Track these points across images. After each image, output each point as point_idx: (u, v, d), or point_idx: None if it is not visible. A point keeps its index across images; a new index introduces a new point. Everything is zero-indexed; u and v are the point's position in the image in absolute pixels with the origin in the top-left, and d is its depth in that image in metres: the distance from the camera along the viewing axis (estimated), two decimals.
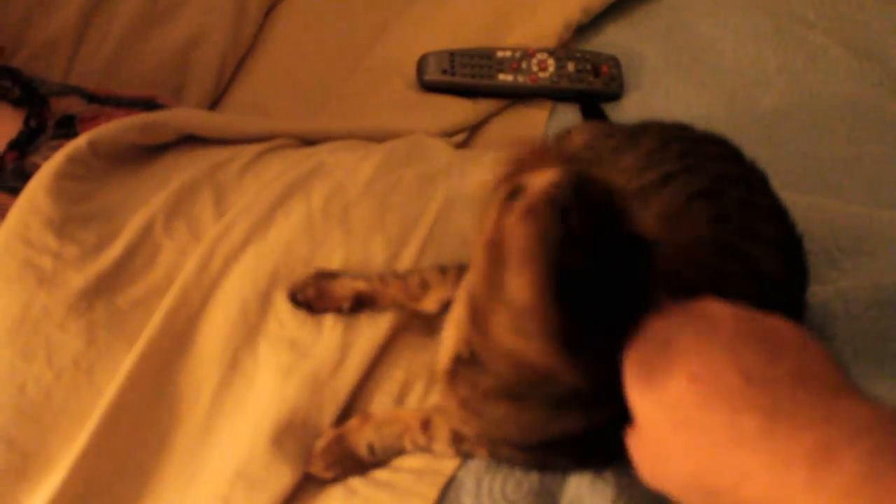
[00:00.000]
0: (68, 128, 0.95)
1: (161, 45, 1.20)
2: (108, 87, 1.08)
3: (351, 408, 0.78)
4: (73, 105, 0.98)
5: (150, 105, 1.01)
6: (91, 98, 1.00)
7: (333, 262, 0.82)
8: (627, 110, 1.20)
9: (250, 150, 0.95)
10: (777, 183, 1.01)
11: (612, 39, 1.31)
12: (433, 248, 0.84)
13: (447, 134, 1.13)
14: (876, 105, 1.20)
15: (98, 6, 1.18)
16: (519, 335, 0.56)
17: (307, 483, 0.76)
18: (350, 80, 1.26)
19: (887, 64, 1.26)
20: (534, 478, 0.69)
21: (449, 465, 0.74)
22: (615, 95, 1.21)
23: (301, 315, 0.80)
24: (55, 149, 0.89)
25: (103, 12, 1.18)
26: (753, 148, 1.11)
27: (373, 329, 0.79)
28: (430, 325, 0.79)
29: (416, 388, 0.79)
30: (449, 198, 0.88)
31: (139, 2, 1.21)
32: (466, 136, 1.16)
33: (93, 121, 0.95)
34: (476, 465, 0.72)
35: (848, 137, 1.15)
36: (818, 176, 1.09)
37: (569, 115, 1.19)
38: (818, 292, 0.84)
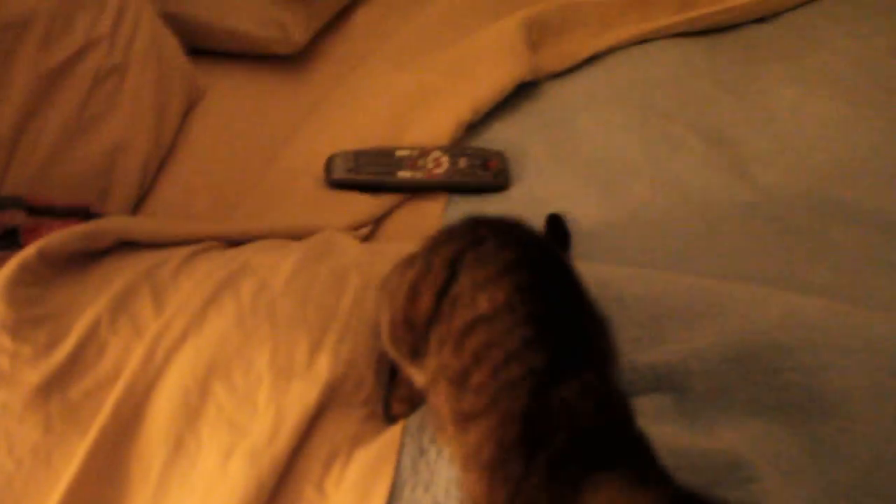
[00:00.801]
0: (13, 239, 1.04)
1: (88, 152, 1.28)
2: (41, 192, 1.16)
3: (288, 475, 0.86)
4: (16, 217, 1.07)
5: (85, 214, 1.11)
6: (31, 210, 1.09)
7: (262, 352, 0.92)
8: (515, 200, 1.32)
9: (181, 252, 1.05)
10: (643, 260, 1.17)
11: (500, 135, 1.45)
12: (351, 336, 0.95)
13: (354, 228, 1.24)
14: (726, 186, 1.34)
15: (29, 119, 1.25)
16: None
17: None
18: (264, 180, 1.37)
19: (735, 149, 1.43)
20: None
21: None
22: (502, 187, 1.33)
23: (237, 398, 0.90)
24: (3, 259, 0.98)
25: (34, 124, 1.25)
26: (625, 231, 1.26)
27: (302, 402, 0.88)
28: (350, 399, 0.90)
29: (341, 457, 0.88)
30: (360, 288, 1.00)
31: (67, 114, 1.28)
32: (371, 229, 1.27)
33: (34, 231, 1.04)
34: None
35: (703, 217, 1.28)
36: (679, 253, 1.20)
37: (462, 206, 1.29)
38: (676, 351, 0.96)
